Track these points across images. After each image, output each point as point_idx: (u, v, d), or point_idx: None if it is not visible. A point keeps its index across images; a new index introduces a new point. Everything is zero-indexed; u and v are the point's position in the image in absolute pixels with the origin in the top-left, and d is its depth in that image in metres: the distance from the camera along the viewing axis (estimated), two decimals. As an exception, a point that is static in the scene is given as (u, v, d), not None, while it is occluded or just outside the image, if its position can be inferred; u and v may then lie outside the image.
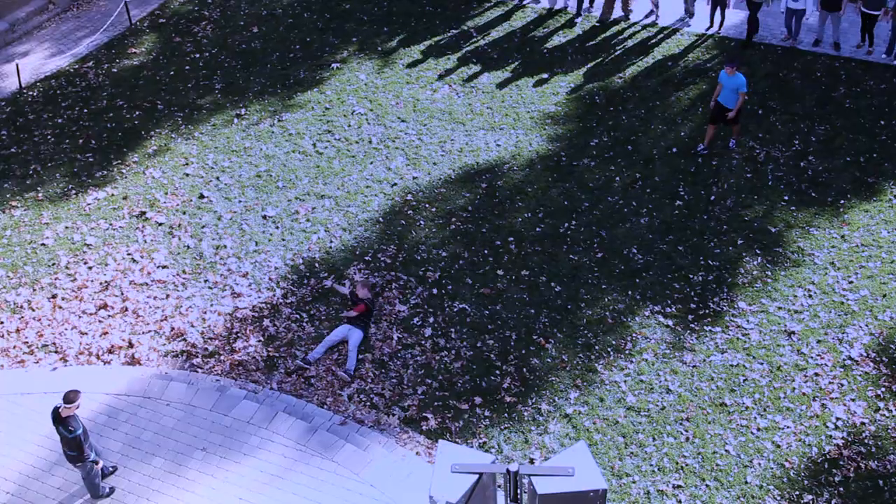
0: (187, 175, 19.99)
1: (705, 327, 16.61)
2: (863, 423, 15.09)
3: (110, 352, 16.60)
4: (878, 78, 21.51)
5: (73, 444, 13.45)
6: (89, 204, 19.43)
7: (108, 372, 16.12)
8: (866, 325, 16.49)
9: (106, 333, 16.89)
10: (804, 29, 23.02)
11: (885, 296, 16.97)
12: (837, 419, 15.17)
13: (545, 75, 22.03)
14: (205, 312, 17.18)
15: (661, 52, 22.62)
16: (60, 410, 13.34)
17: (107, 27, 24.51)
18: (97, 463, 13.80)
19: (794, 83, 21.50)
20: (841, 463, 14.61)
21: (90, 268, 18.13)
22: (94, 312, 17.27)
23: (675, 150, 19.99)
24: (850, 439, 14.90)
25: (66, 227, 18.92)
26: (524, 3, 24.49)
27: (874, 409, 15.30)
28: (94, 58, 23.52)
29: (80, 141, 21.00)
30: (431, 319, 16.96)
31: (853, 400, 15.42)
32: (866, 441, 14.85)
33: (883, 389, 15.55)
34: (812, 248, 17.85)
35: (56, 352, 16.59)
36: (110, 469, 14.46)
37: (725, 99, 19.09)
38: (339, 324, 16.70)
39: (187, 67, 23.04)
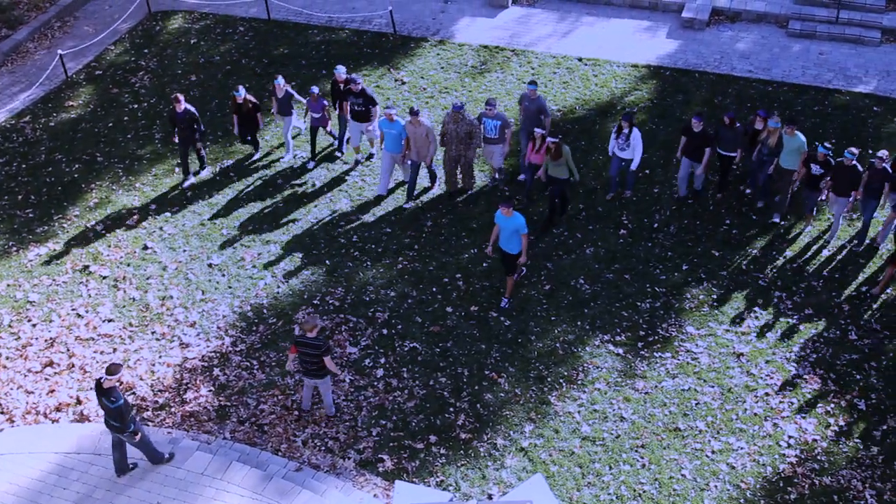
0: (130, 227, 19.82)
1: (655, 353, 16.73)
2: (815, 440, 15.25)
3: (58, 409, 16.34)
4: (810, 101, 21.92)
5: (115, 414, 13.91)
6: (31, 260, 19.19)
7: (57, 430, 15.86)
8: (812, 343, 16.71)
9: (53, 391, 16.64)
10: (736, 56, 23.44)
11: (829, 314, 17.21)
12: (790, 437, 15.32)
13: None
14: (153, 364, 16.99)
15: (598, 83, 22.89)
16: (102, 382, 13.80)
17: (42, 81, 24.33)
18: (137, 434, 14.25)
19: (730, 108, 21.85)
20: (795, 481, 14.73)
21: (34, 325, 17.87)
22: (40, 370, 17.01)
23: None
24: (803, 457, 15.04)
25: (8, 285, 18.66)
26: (459, 41, 24.70)
27: (825, 425, 15.47)
28: (31, 112, 23.32)
29: (20, 197, 20.76)
30: (383, 360, 16.91)
31: (804, 417, 15.58)
32: (819, 457, 15.00)
33: (832, 406, 15.74)
34: (756, 269, 18.09)
35: (2, 412, 16.30)
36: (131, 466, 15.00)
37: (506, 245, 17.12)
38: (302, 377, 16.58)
39: (126, 118, 22.91)
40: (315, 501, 14.51)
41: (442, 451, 15.44)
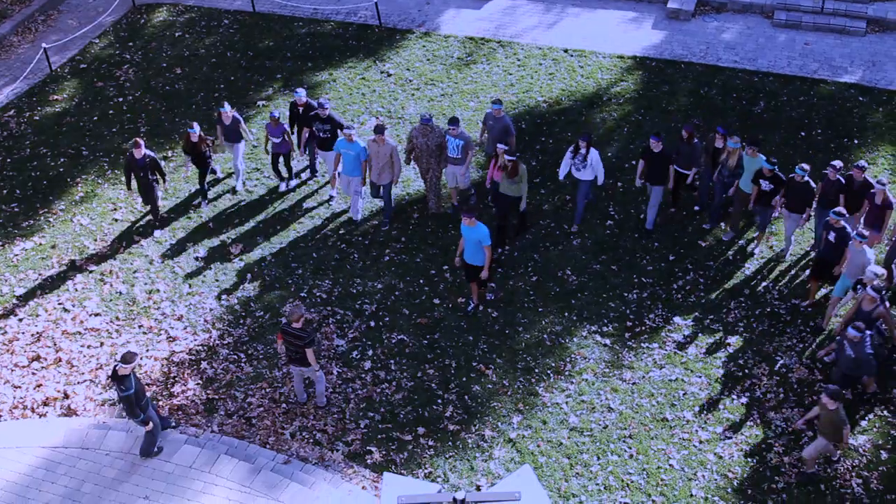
0: (116, 220, 19.77)
1: (642, 344, 16.78)
2: (801, 429, 15.31)
3: (45, 404, 16.30)
4: (795, 91, 21.98)
5: (125, 403, 14.20)
6: (17, 255, 19.12)
7: (45, 425, 15.83)
8: (799, 333, 16.77)
9: (40, 386, 16.59)
10: (722, 46, 23.48)
11: (815, 304, 17.27)
12: (777, 427, 15.38)
13: (471, 103, 22.19)
14: (141, 358, 16.95)
15: (584, 74, 22.91)
16: (118, 369, 14.02)
17: (27, 75, 24.21)
18: (147, 423, 14.54)
19: (716, 99, 21.90)
20: (783, 470, 14.80)
21: (20, 320, 17.82)
22: (27, 365, 16.97)
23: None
24: (789, 446, 15.11)
25: (-6, 280, 18.61)
26: (444, 33, 24.69)
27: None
28: (16, 106, 23.22)
29: (5, 191, 20.67)
30: (370, 352, 16.92)
31: (791, 407, 15.65)
32: (805, 446, 15.06)
33: (818, 395, 15.80)
34: (742, 259, 18.14)
35: (-11, 407, 16.27)
36: (173, 424, 15.61)
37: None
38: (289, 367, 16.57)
39: (111, 112, 22.83)
40: (303, 494, 14.51)
41: (430, 442, 15.46)
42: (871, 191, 16.67)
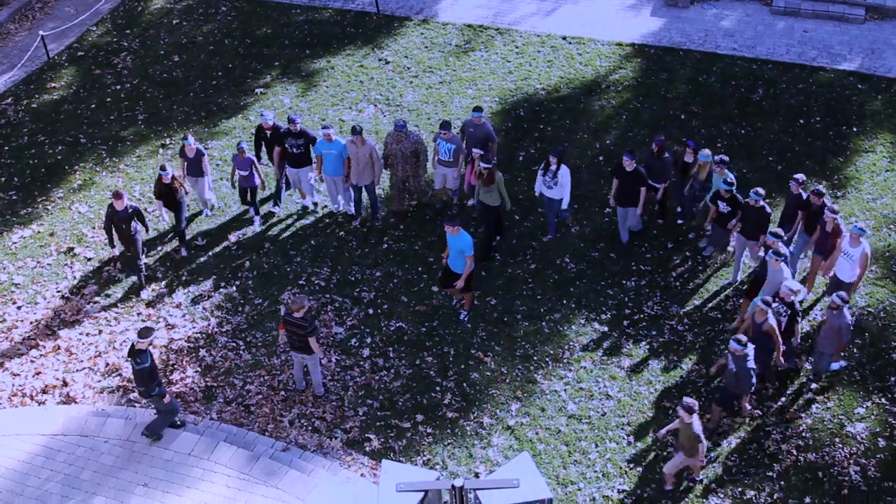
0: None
1: (641, 332, 16.79)
2: (799, 417, 15.34)
3: (44, 391, 16.32)
4: (794, 79, 21.96)
5: (137, 376, 14.40)
6: (15, 243, 19.11)
7: (44, 412, 15.84)
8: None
9: (39, 373, 16.60)
10: (721, 34, 23.45)
11: (811, 292, 17.29)
12: (773, 414, 15.40)
13: (469, 91, 22.16)
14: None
15: (583, 61, 22.87)
16: (135, 344, 14.30)
17: (24, 62, 24.16)
18: (163, 396, 14.74)
19: (714, 87, 21.88)
20: (780, 457, 14.83)
21: (19, 307, 17.82)
22: (26, 353, 16.97)
23: (601, 158, 20.21)
24: (787, 434, 15.14)
25: (-8, 268, 18.61)
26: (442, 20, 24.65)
27: (809, 402, 15.56)
28: (13, 94, 23.17)
29: (2, 179, 20.65)
30: (369, 340, 16.93)
31: (788, 396, 15.67)
32: (804, 434, 15.10)
33: (816, 384, 15.83)
34: (740, 247, 18.14)
35: (-12, 395, 16.28)
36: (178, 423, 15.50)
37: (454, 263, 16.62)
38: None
39: (109, 99, 22.79)
40: (302, 481, 14.54)
41: (429, 430, 15.48)
42: (823, 217, 16.09)
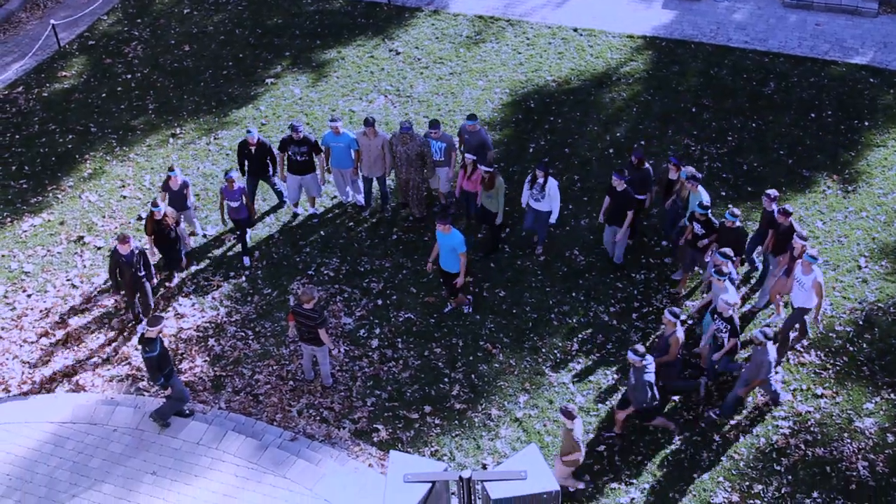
0: (124, 197, 19.79)
1: (650, 325, 16.77)
2: (808, 412, 15.32)
3: (53, 380, 16.37)
4: (806, 72, 21.88)
5: (147, 364, 14.54)
6: (25, 231, 19.16)
7: (53, 400, 15.89)
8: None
9: (48, 361, 16.65)
10: (733, 27, 23.37)
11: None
12: (782, 409, 15.38)
13: (480, 82, 22.13)
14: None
15: (594, 53, 22.83)
16: (145, 333, 14.45)
17: (35, 51, 24.19)
18: (166, 388, 14.85)
19: (726, 80, 21.81)
20: (788, 452, 14.82)
21: (29, 296, 17.87)
22: (36, 341, 17.03)
23: (611, 150, 20.18)
24: (796, 428, 15.12)
25: (3, 256, 18.63)
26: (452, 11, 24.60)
27: (818, 397, 15.54)
28: (24, 83, 23.21)
29: (13, 167, 20.70)
30: (377, 330, 16.94)
31: (797, 390, 15.65)
32: (812, 429, 15.08)
33: (826, 378, 15.80)
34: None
35: (-2, 382, 16.34)
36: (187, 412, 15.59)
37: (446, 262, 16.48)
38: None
39: (119, 89, 22.81)
40: (310, 471, 14.57)
41: (437, 421, 15.50)
42: (792, 243, 15.60)
